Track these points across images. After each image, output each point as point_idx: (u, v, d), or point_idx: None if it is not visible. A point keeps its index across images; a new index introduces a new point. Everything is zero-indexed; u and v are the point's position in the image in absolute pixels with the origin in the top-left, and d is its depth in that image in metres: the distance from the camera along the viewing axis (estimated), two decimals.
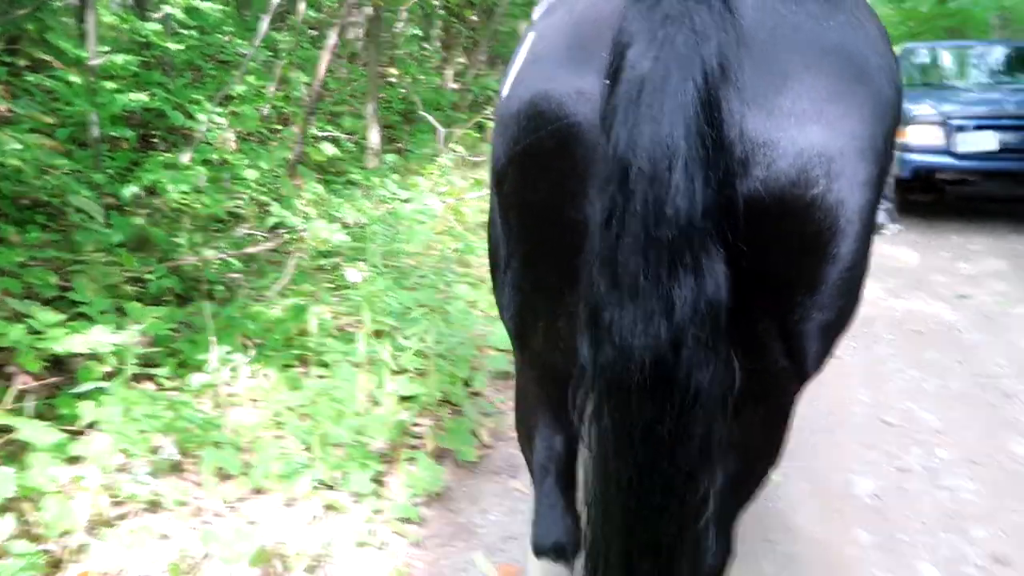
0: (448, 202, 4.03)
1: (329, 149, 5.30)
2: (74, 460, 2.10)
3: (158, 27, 4.19)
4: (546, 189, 1.18)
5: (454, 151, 5.26)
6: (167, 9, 4.22)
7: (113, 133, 3.93)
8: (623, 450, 1.07)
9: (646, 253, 1.00)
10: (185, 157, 4.17)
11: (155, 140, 4.72)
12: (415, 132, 6.59)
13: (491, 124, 5.32)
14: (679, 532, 1.11)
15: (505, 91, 1.27)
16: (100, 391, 2.23)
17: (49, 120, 3.05)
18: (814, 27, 1.12)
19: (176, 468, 2.34)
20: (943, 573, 2.26)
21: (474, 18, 9.29)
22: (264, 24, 4.51)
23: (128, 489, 2.10)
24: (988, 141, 6.84)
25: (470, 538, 2.29)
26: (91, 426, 2.22)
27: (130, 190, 3.61)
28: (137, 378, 2.55)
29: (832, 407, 3.33)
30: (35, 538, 1.90)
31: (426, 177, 4.52)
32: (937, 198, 8.07)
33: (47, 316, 2.33)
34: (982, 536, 2.44)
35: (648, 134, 0.99)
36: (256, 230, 3.79)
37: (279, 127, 5.52)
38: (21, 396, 2.15)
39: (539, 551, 1.50)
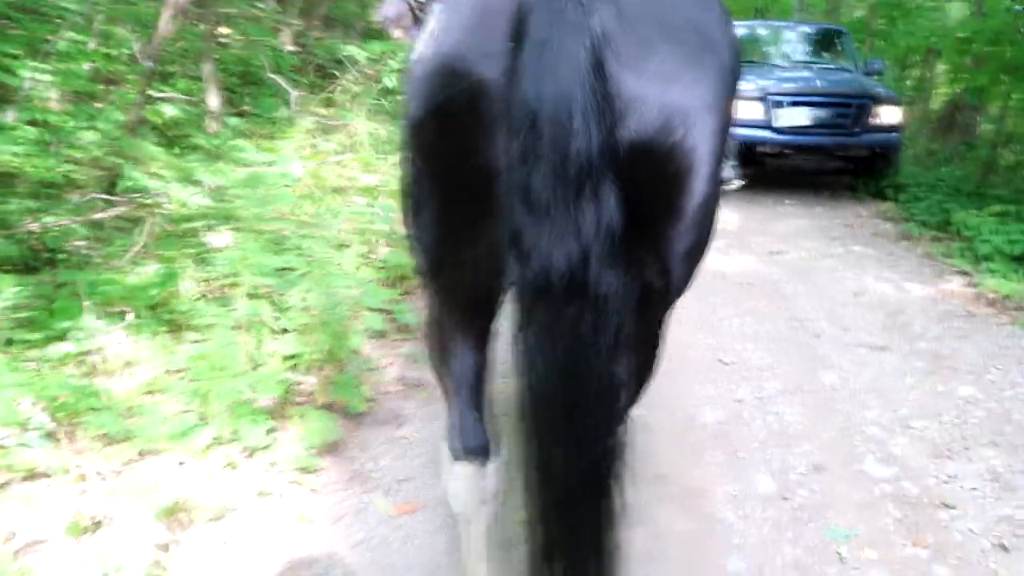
0: (310, 166, 4.00)
1: (168, 111, 5.03)
2: None
3: None
4: (459, 137, 1.37)
5: (314, 115, 5.17)
6: None
7: None
8: (552, 346, 1.29)
9: (555, 186, 1.22)
10: (9, 116, 3.84)
11: None
12: (257, 96, 6.37)
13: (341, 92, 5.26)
14: (605, 414, 1.35)
15: (417, 54, 1.45)
16: None
17: None
18: (674, 4, 1.39)
19: (50, 437, 2.25)
20: (775, 481, 2.65)
21: None
22: None
23: (3, 459, 2.01)
24: (802, 116, 7.30)
25: (365, 482, 2.40)
26: None
27: None
28: None
29: (675, 351, 3.70)
30: None
31: (288, 140, 4.43)
32: (757, 171, 8.38)
33: None
34: (804, 450, 2.87)
35: (551, 88, 1.20)
36: (100, 194, 3.58)
37: (103, 86, 5.16)
38: None
39: (460, 454, 1.68)
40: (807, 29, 9.50)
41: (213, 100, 5.58)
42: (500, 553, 1.80)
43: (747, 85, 7.17)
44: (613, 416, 1.37)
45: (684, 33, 1.36)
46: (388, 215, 3.63)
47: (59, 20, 5.18)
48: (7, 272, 2.84)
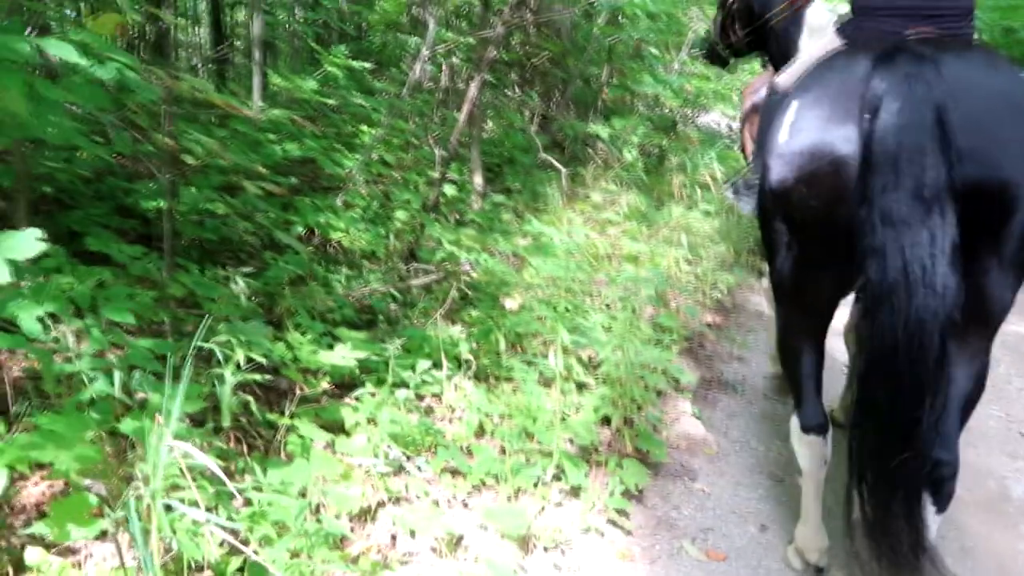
0: (590, 236, 4.36)
1: (448, 191, 5.70)
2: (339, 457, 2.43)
3: (315, 85, 4.66)
4: (824, 195, 1.95)
5: (603, 189, 5.63)
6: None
7: (275, 180, 4.37)
8: (898, 327, 1.76)
9: (913, 206, 1.75)
10: (338, 201, 4.60)
11: (300, 187, 5.18)
12: (516, 173, 6.96)
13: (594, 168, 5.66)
14: (931, 381, 1.78)
15: (782, 136, 2.05)
16: (359, 399, 2.58)
17: (261, 169, 3.46)
18: (991, 78, 1.90)
19: (400, 469, 2.66)
20: None
21: (546, 64, 9.73)
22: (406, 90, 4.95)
23: (393, 483, 2.42)
24: None
25: (672, 528, 2.57)
26: (343, 430, 2.57)
27: (296, 231, 4.03)
28: (339, 390, 2.91)
29: (969, 423, 3.52)
30: (319, 520, 2.22)
31: (560, 213, 4.86)
32: None
33: (295, 337, 2.70)
34: None
35: (910, 139, 1.77)
36: (421, 264, 4.16)
37: (396, 173, 5.97)
38: (297, 402, 2.51)
39: (807, 429, 2.27)
40: None
41: (478, 180, 6.23)
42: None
43: None
44: (932, 386, 1.79)
45: (999, 101, 1.85)
46: (660, 280, 3.85)
47: (352, 115, 6.15)
48: (357, 328, 3.40)
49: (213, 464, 1.55)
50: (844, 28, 2.36)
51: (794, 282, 2.17)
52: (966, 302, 1.80)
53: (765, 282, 3.54)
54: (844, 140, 1.87)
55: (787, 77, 2.53)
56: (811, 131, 1.95)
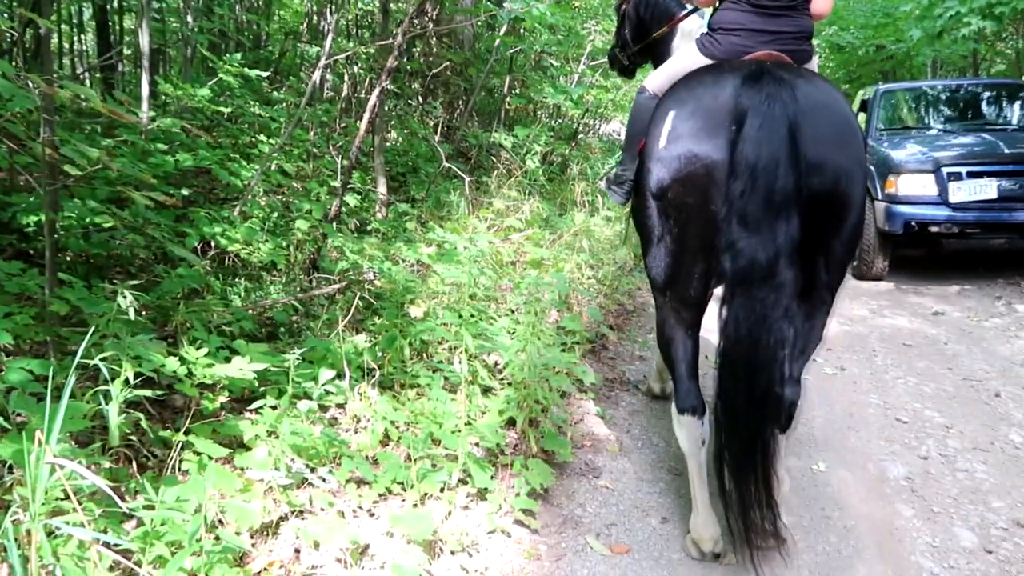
0: (494, 243, 4.40)
1: (350, 201, 5.64)
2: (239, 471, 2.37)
3: (207, 93, 4.53)
4: (696, 195, 2.21)
5: (506, 196, 5.66)
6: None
7: (167, 191, 4.22)
8: (747, 313, 2.08)
9: (764, 210, 2.03)
10: (235, 211, 4.48)
11: (195, 198, 5.01)
12: (420, 182, 6.95)
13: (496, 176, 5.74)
14: (773, 357, 2.09)
15: (662, 143, 2.30)
16: (259, 412, 2.52)
17: (151, 179, 3.33)
18: (827, 101, 2.24)
19: (303, 482, 2.62)
20: (977, 535, 2.66)
21: (448, 74, 9.78)
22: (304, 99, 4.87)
23: (296, 496, 2.37)
24: (986, 189, 6.11)
25: (578, 526, 2.62)
26: (242, 444, 2.51)
27: (190, 243, 3.90)
28: (238, 404, 2.84)
29: (850, 410, 3.76)
30: (217, 537, 2.16)
31: (463, 220, 4.89)
32: (930, 252, 7.60)
33: (190, 352, 2.62)
34: (1001, 506, 2.86)
35: (767, 151, 2.05)
36: (326, 275, 4.10)
37: (297, 183, 5.87)
38: (192, 418, 2.43)
39: (683, 410, 2.45)
40: (982, 86, 8.11)
41: (381, 189, 6.19)
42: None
43: (914, 156, 6.50)
44: (779, 360, 2.11)
45: (835, 123, 2.21)
46: (563, 285, 3.94)
47: (249, 125, 6.01)
48: (256, 340, 3.32)
49: (99, 480, 1.49)
50: (703, 42, 2.64)
51: (669, 273, 2.38)
52: (809, 284, 2.21)
53: None
54: (715, 148, 2.15)
55: (657, 79, 2.79)
56: (687, 139, 2.21)
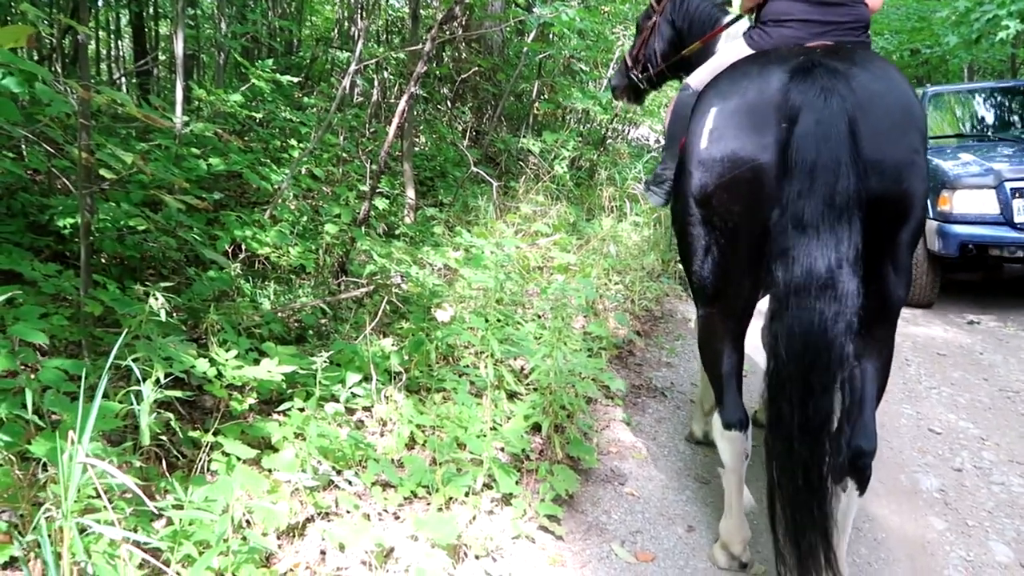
0: (521, 248, 4.40)
1: (379, 205, 5.68)
2: (266, 472, 2.39)
3: (240, 98, 4.60)
4: (743, 201, 2.05)
5: (534, 201, 5.67)
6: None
7: (199, 195, 4.28)
8: (804, 328, 1.84)
9: (824, 214, 1.84)
10: (266, 215, 4.53)
11: (226, 202, 5.08)
12: (448, 187, 6.98)
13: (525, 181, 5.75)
14: (832, 379, 1.85)
15: (703, 143, 2.14)
16: (286, 414, 2.54)
17: (184, 183, 3.39)
18: (890, 89, 2.02)
19: (329, 484, 2.63)
20: (1013, 550, 2.60)
21: (477, 79, 9.81)
22: (334, 104, 4.92)
23: (322, 498, 2.39)
24: None
25: (603, 533, 2.60)
26: (270, 446, 2.53)
27: (222, 246, 3.95)
28: (267, 406, 2.87)
29: (882, 420, 3.69)
30: (244, 538, 2.18)
31: (491, 225, 4.90)
32: (988, 276, 6.69)
33: (220, 353, 2.65)
34: None
35: (826, 149, 1.87)
36: (353, 279, 4.13)
37: (326, 187, 5.93)
38: (221, 419, 2.46)
39: (729, 425, 2.32)
40: None
41: (410, 193, 6.23)
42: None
43: (970, 166, 5.83)
44: (836, 384, 1.87)
45: (895, 112, 2.00)
46: (590, 290, 3.92)
47: (280, 130, 6.08)
48: (285, 343, 3.35)
49: (128, 480, 1.51)
50: (752, 35, 2.50)
51: (715, 284, 2.23)
52: (870, 301, 1.91)
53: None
54: (763, 148, 1.98)
55: (700, 75, 2.67)
56: (731, 139, 2.04)
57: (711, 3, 3.30)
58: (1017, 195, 5.42)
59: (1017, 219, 5.41)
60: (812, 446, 1.88)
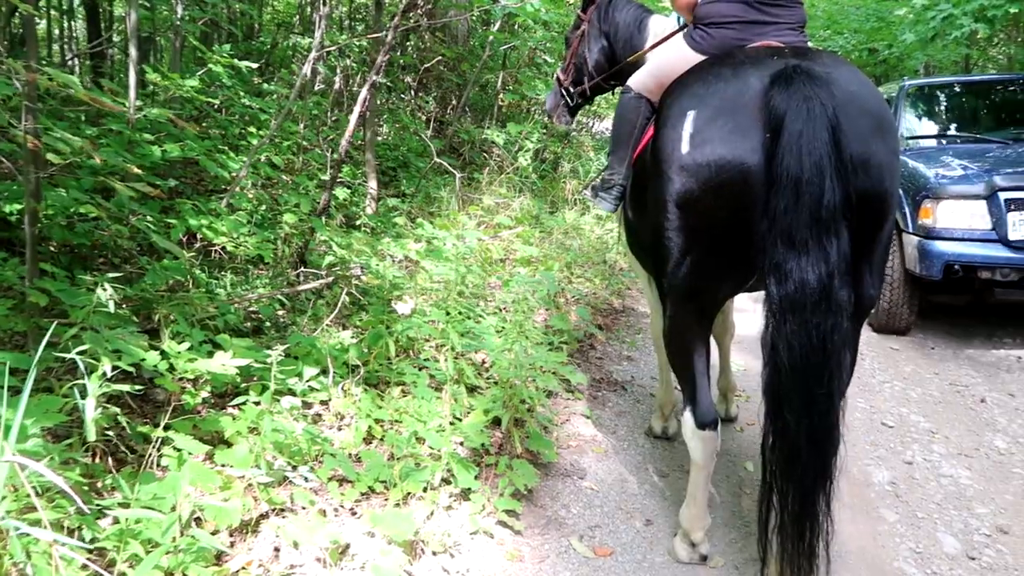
0: (484, 240, 4.37)
1: (339, 195, 5.60)
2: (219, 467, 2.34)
3: (196, 83, 4.48)
4: (731, 204, 2.03)
5: (497, 192, 5.63)
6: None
7: (152, 182, 4.15)
8: (802, 342, 1.87)
9: (811, 227, 1.85)
10: (223, 203, 4.43)
11: (181, 189, 4.96)
12: (411, 178, 6.92)
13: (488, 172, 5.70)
14: (832, 389, 1.90)
15: (685, 148, 2.09)
16: (241, 408, 2.48)
17: (136, 169, 3.28)
18: (861, 93, 2.04)
19: (284, 479, 2.59)
20: (960, 541, 2.66)
21: (441, 68, 9.73)
22: (294, 92, 4.83)
23: (277, 494, 2.34)
24: None
25: (561, 527, 2.60)
26: (223, 441, 2.47)
27: (176, 235, 3.85)
28: (220, 400, 2.81)
29: None
30: (193, 536, 2.13)
31: (453, 216, 4.86)
32: (973, 299, 5.14)
33: (172, 345, 2.58)
34: (984, 512, 2.86)
35: (808, 161, 1.86)
36: (303, 269, 4.06)
37: (286, 176, 5.82)
38: (173, 413, 2.39)
39: (703, 425, 2.31)
40: None
41: (372, 183, 6.15)
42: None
43: (956, 172, 4.91)
44: (838, 391, 1.93)
45: (872, 113, 2.03)
46: (552, 284, 3.92)
47: (239, 116, 5.96)
48: (240, 335, 3.28)
49: (59, 479, 1.45)
50: (692, 37, 2.46)
51: (692, 285, 2.20)
52: (857, 300, 2.01)
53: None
54: (750, 151, 1.97)
55: (640, 77, 2.64)
56: (717, 143, 2.01)
57: (635, 4, 3.24)
58: (1012, 207, 4.49)
59: (1012, 235, 4.48)
60: (821, 456, 1.93)
